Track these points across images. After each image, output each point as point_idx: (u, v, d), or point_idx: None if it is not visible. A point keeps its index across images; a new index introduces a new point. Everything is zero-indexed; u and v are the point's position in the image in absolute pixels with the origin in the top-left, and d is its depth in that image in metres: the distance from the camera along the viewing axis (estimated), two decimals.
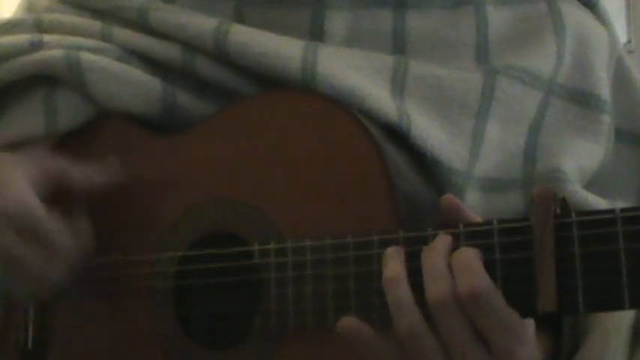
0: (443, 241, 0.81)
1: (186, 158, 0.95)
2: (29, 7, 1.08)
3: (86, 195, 0.95)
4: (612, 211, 0.76)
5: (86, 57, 0.97)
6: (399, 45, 0.97)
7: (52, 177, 0.94)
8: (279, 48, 0.94)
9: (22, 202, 0.90)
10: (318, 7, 0.96)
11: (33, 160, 0.95)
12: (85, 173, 0.95)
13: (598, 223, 0.77)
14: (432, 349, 0.79)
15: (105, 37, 1.00)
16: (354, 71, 0.93)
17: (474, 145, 0.95)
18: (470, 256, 0.79)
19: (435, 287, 0.79)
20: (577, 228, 0.77)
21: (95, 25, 1.01)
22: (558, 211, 0.78)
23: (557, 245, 0.77)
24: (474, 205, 0.92)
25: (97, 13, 1.03)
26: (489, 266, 0.79)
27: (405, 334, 0.80)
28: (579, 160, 0.98)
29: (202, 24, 0.97)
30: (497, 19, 1.00)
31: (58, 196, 0.94)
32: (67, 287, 0.93)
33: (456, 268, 0.79)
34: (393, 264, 0.81)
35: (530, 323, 0.80)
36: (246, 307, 0.90)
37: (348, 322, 0.82)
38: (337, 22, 0.96)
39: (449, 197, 0.85)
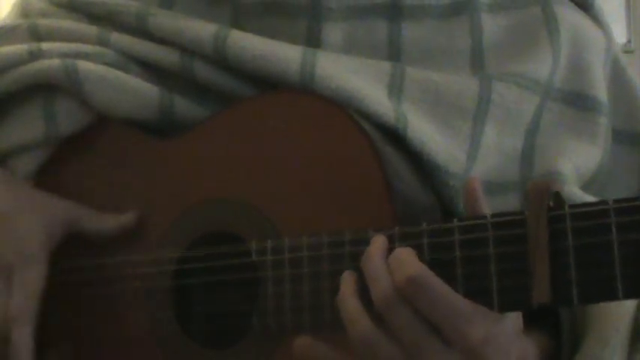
0: (376, 243, 0.82)
1: (185, 158, 0.96)
2: (23, 11, 1.08)
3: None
4: (605, 202, 0.77)
5: (84, 66, 0.98)
6: (394, 54, 0.97)
7: (67, 227, 0.96)
8: (278, 51, 0.94)
9: (33, 260, 0.93)
10: (314, 17, 0.96)
11: (47, 204, 0.96)
12: (99, 224, 0.97)
13: (591, 214, 0.77)
14: (388, 352, 0.80)
15: (102, 42, 1.01)
16: (352, 74, 0.94)
17: (471, 148, 0.95)
18: (402, 251, 0.80)
19: (376, 288, 0.80)
20: (570, 220, 0.77)
21: (92, 29, 1.02)
22: (552, 204, 0.78)
23: (551, 237, 0.77)
24: None
25: (94, 18, 1.03)
26: (484, 260, 0.79)
27: (358, 343, 0.81)
28: (576, 161, 0.98)
29: (201, 29, 0.97)
30: (492, 26, 1.00)
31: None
32: (66, 286, 0.94)
33: (392, 267, 0.80)
34: (343, 285, 0.83)
35: (512, 315, 0.80)
36: (245, 306, 0.90)
37: (303, 341, 0.83)
38: (333, 32, 0.96)
39: (473, 181, 0.85)
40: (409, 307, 0.79)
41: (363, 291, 0.81)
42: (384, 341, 0.80)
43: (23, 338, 0.91)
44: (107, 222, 0.96)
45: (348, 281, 0.83)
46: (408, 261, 0.79)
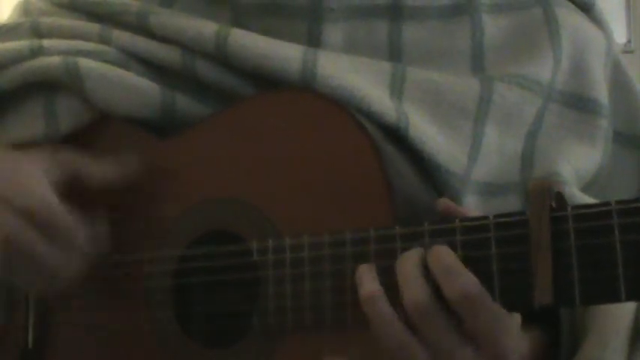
0: (414, 251, 0.81)
1: (185, 157, 0.96)
2: (25, 11, 1.08)
3: (99, 189, 0.96)
4: (608, 203, 0.77)
5: (85, 64, 0.98)
6: (394, 55, 0.97)
7: (66, 170, 0.94)
8: (279, 50, 0.94)
9: (40, 195, 0.90)
10: (314, 18, 0.96)
11: (46, 154, 0.95)
12: (99, 167, 0.96)
13: (593, 215, 0.77)
14: (421, 356, 0.80)
15: (104, 40, 1.01)
16: (353, 74, 0.94)
17: (472, 149, 0.95)
18: (447, 258, 0.80)
19: (410, 294, 0.80)
20: (573, 221, 0.77)
21: (94, 27, 1.02)
22: (554, 204, 0.78)
23: (553, 238, 0.77)
24: (471, 209, 0.92)
25: (95, 17, 1.03)
26: (486, 260, 0.79)
27: (394, 347, 0.80)
28: (576, 163, 0.98)
29: (202, 27, 0.97)
30: (493, 27, 1.00)
31: (72, 190, 0.94)
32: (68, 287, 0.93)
33: (438, 272, 0.79)
34: (367, 281, 0.82)
35: (515, 315, 0.81)
36: (246, 305, 0.90)
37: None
38: (334, 33, 0.96)
39: (444, 200, 0.86)
40: (448, 316, 0.79)
41: (387, 289, 0.81)
42: (419, 346, 0.80)
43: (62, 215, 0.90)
44: (106, 167, 0.96)
45: (367, 279, 0.82)
46: (459, 270, 0.79)
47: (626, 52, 2.85)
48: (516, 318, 0.81)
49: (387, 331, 0.80)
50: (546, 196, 0.78)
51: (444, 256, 0.80)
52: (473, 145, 0.95)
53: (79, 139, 1.00)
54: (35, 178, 0.91)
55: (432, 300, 0.79)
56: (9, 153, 0.97)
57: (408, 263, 0.81)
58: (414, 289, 0.79)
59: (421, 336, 0.79)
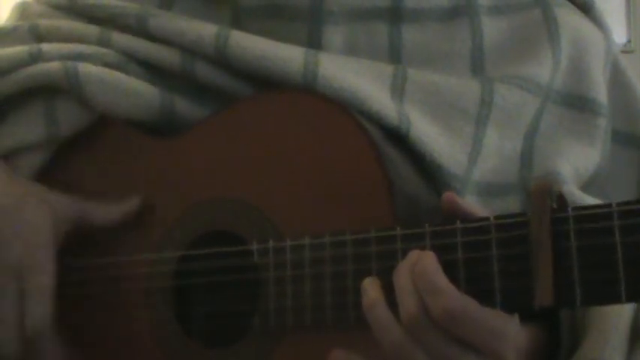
0: (412, 258, 0.81)
1: (185, 158, 0.96)
2: (23, 14, 1.08)
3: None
4: (608, 205, 0.77)
5: (84, 68, 0.98)
6: (395, 57, 0.97)
7: (73, 221, 0.95)
8: (280, 52, 0.94)
9: (38, 263, 0.92)
10: (314, 21, 0.96)
11: (52, 198, 0.95)
12: (105, 212, 0.96)
13: (594, 217, 0.77)
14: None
15: (103, 42, 1.01)
16: (354, 75, 0.94)
17: (472, 150, 0.95)
18: (428, 275, 0.79)
19: (404, 306, 0.80)
20: (573, 222, 0.77)
21: (93, 30, 1.02)
22: (555, 205, 0.78)
23: (554, 239, 0.77)
24: (474, 204, 0.92)
25: (94, 20, 1.03)
26: (486, 262, 0.79)
27: (391, 353, 0.80)
28: (575, 162, 0.98)
29: (202, 29, 0.97)
30: (492, 29, 1.00)
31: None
32: (66, 286, 0.93)
33: (421, 288, 0.79)
34: (371, 291, 0.82)
35: (513, 319, 0.81)
36: (246, 306, 0.90)
37: (335, 355, 0.83)
38: (334, 36, 0.96)
39: (450, 195, 0.86)
40: (443, 329, 0.79)
41: (389, 291, 0.81)
42: (419, 352, 0.80)
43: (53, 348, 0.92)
44: (111, 211, 0.96)
45: (371, 289, 0.82)
46: (440, 287, 0.79)
47: (626, 52, 2.85)
48: (512, 319, 0.81)
49: (387, 337, 0.80)
50: (547, 197, 0.78)
51: (425, 274, 0.79)
52: (473, 146, 0.95)
53: (80, 142, 1.00)
54: (43, 232, 0.92)
55: (425, 314, 0.79)
56: (11, 182, 0.97)
57: (402, 276, 0.81)
58: (407, 303, 0.80)
59: (421, 344, 0.80)
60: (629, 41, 3.00)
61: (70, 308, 0.96)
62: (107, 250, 0.96)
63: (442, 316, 0.78)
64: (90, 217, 0.96)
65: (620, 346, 0.89)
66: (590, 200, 0.95)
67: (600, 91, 1.01)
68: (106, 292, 0.96)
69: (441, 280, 0.79)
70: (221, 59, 0.96)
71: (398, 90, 0.95)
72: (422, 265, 0.80)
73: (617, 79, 1.04)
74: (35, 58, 1.00)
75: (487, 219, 0.81)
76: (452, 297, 0.78)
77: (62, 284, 0.94)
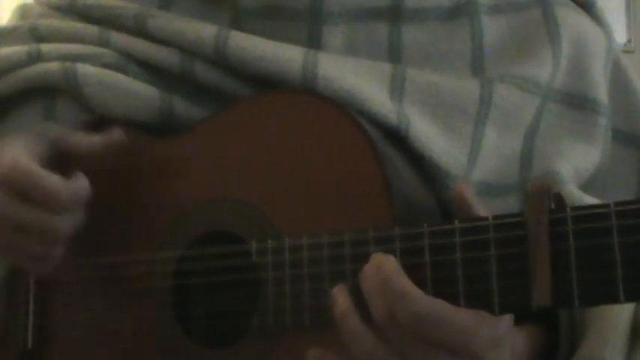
0: (375, 261, 0.81)
1: (185, 159, 0.96)
2: (23, 15, 1.09)
3: (86, 160, 0.95)
4: (607, 205, 0.77)
5: (83, 69, 0.98)
6: (394, 57, 0.97)
7: (49, 142, 0.94)
8: (279, 52, 0.94)
9: (13, 160, 0.89)
10: (314, 21, 0.96)
11: (29, 133, 0.94)
12: (83, 137, 0.96)
13: (592, 217, 0.77)
14: None
15: (103, 43, 1.01)
16: (354, 75, 0.94)
17: (472, 151, 0.95)
18: (393, 276, 0.79)
19: (373, 309, 0.80)
20: (572, 222, 0.77)
21: (92, 30, 1.02)
22: (553, 206, 0.78)
23: (552, 240, 0.77)
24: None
25: (93, 20, 1.03)
26: (485, 262, 0.79)
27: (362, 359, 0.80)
28: (575, 162, 0.98)
29: (201, 30, 0.97)
30: (493, 29, 1.00)
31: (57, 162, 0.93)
32: (66, 286, 0.93)
33: (386, 292, 0.79)
34: (341, 298, 0.82)
35: (504, 319, 0.80)
36: (245, 306, 0.90)
37: (311, 355, 0.83)
38: (334, 35, 0.96)
39: (460, 186, 0.85)
40: (409, 330, 0.78)
41: (362, 303, 0.81)
42: (389, 355, 0.79)
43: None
44: (91, 139, 0.95)
45: (341, 297, 0.82)
46: (410, 295, 0.79)
47: (626, 52, 2.86)
48: (506, 316, 0.81)
49: (357, 343, 0.80)
50: (545, 198, 0.78)
51: (389, 279, 0.79)
52: (473, 146, 0.95)
53: None
54: (14, 149, 0.91)
55: (393, 318, 0.79)
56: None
57: (368, 279, 0.81)
58: (375, 307, 0.79)
59: (393, 348, 0.79)
60: (629, 41, 3.00)
61: (69, 308, 0.97)
62: (107, 250, 0.96)
63: (409, 318, 0.78)
64: (66, 141, 0.95)
65: (619, 345, 0.89)
66: (589, 200, 0.95)
67: (600, 91, 1.01)
68: (105, 292, 0.96)
69: (405, 283, 0.79)
70: (220, 60, 0.96)
71: (397, 90, 0.95)
72: (384, 271, 0.80)
73: (618, 78, 1.04)
74: (34, 58, 1.00)
75: (485, 219, 0.81)
76: (417, 299, 0.78)
77: (62, 283, 0.94)
